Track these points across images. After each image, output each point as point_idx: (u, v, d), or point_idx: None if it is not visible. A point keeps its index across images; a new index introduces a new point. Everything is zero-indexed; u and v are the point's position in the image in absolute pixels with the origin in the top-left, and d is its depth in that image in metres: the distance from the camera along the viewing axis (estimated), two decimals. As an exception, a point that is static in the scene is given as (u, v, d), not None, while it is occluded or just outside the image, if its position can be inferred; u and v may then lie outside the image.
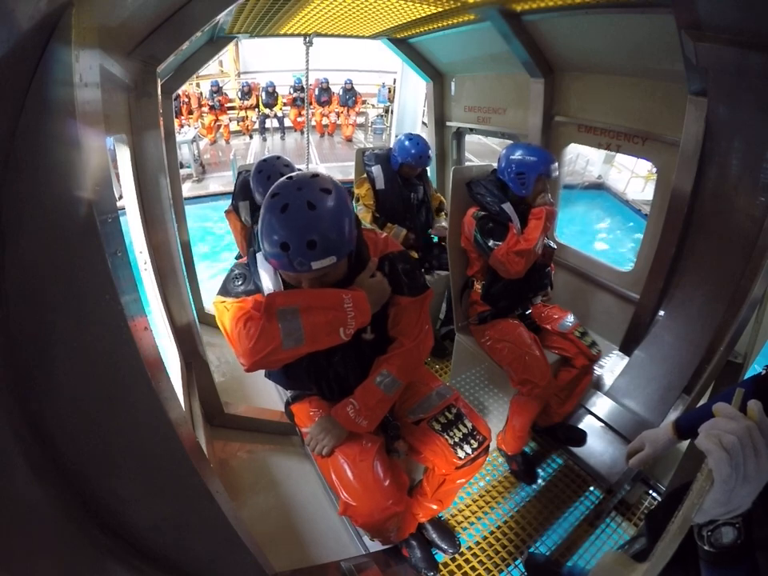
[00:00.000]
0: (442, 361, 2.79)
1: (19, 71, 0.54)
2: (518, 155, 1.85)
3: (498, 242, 1.81)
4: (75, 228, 0.58)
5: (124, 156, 1.47)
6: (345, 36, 3.05)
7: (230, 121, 11.21)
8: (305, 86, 3.04)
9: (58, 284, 0.62)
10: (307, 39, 2.78)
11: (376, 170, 2.66)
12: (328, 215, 0.98)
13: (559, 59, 2.35)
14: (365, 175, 2.71)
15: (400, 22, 2.60)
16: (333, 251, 0.98)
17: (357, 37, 3.15)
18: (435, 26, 2.69)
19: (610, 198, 8.64)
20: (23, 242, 0.59)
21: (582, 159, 8.72)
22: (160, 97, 1.55)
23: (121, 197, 1.45)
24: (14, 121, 0.55)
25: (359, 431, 1.21)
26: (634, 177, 8.22)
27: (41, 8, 0.52)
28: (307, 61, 2.85)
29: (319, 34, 2.83)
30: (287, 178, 1.04)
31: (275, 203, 0.98)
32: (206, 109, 10.73)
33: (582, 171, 8.83)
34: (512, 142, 2.97)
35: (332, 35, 2.95)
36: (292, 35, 2.83)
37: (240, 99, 11.00)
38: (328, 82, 11.19)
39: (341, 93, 11.19)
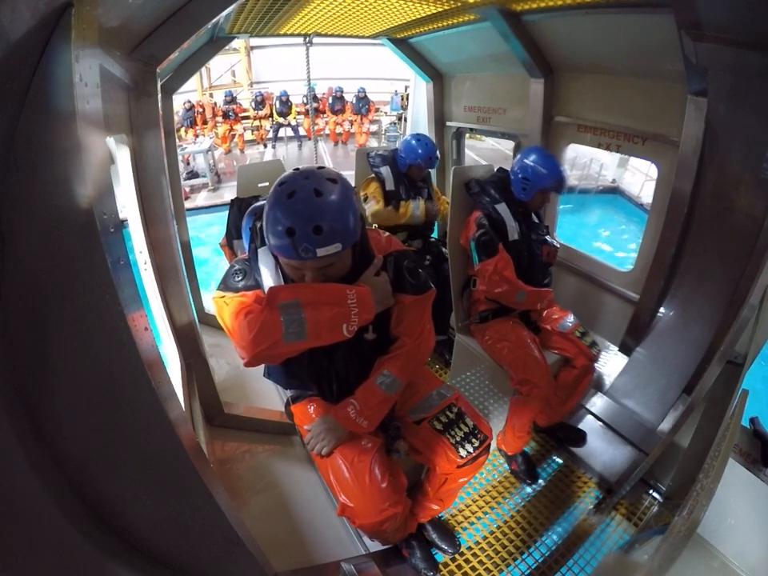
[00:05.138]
0: (442, 361, 2.79)
1: (19, 71, 0.54)
2: (531, 161, 1.85)
3: (488, 258, 1.84)
4: (75, 228, 0.58)
5: (124, 156, 1.47)
6: (345, 36, 3.04)
7: (245, 130, 11.27)
8: (307, 88, 3.01)
9: (58, 284, 0.62)
10: (307, 39, 2.78)
11: (385, 170, 2.59)
12: (334, 203, 0.99)
13: (559, 59, 2.35)
14: (372, 176, 2.64)
15: (400, 22, 2.60)
16: (339, 238, 0.98)
17: (357, 37, 3.15)
18: (435, 26, 2.69)
19: (624, 202, 8.58)
20: (23, 243, 0.59)
21: (596, 163, 8.57)
22: (160, 97, 1.55)
23: (121, 210, 1.44)
24: (14, 121, 0.55)
25: (359, 431, 1.21)
26: (648, 180, 8.19)
27: (41, 8, 0.52)
28: (308, 62, 2.85)
29: (319, 34, 2.83)
30: (294, 170, 1.05)
31: (281, 191, 0.99)
32: (220, 119, 10.82)
33: (595, 176, 8.70)
34: (513, 143, 3.00)
35: (332, 35, 2.95)
36: (292, 35, 2.83)
37: (254, 109, 11.05)
38: (342, 91, 11.24)
39: (354, 101, 11.25)
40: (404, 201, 2.58)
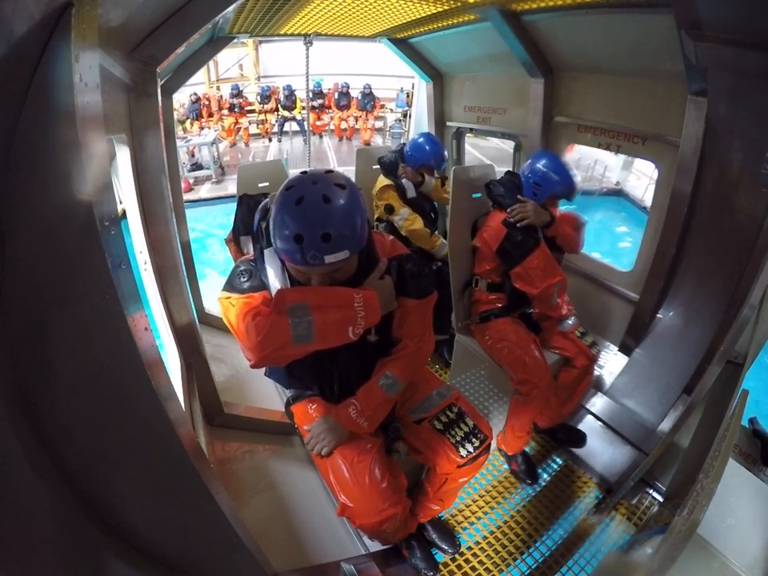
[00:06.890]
0: (442, 361, 2.79)
1: (19, 71, 0.54)
2: (543, 165, 1.84)
3: (529, 253, 1.79)
4: (75, 228, 0.58)
5: (124, 156, 1.47)
6: (345, 36, 3.05)
7: (250, 124, 11.32)
8: (306, 88, 3.01)
9: (58, 284, 0.62)
10: (307, 39, 2.78)
11: (404, 179, 2.49)
12: (343, 209, 0.98)
13: (559, 59, 2.35)
14: (388, 183, 2.50)
15: (400, 22, 2.60)
16: (347, 246, 0.98)
17: (357, 37, 3.15)
18: (435, 26, 2.69)
19: (628, 205, 8.54)
20: (23, 243, 0.59)
21: (600, 165, 8.49)
22: (160, 97, 1.55)
23: (120, 201, 1.45)
24: (14, 121, 0.55)
25: (360, 432, 1.21)
26: (652, 184, 8.13)
27: (41, 8, 0.52)
28: (307, 64, 2.85)
29: (319, 34, 2.83)
30: (301, 173, 1.04)
31: (289, 195, 0.97)
32: (226, 111, 10.88)
33: (599, 177, 8.64)
34: (513, 143, 3.01)
35: (332, 35, 2.95)
36: (292, 35, 2.83)
37: (260, 103, 11.09)
38: (348, 87, 11.25)
39: (359, 97, 11.28)
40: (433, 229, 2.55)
